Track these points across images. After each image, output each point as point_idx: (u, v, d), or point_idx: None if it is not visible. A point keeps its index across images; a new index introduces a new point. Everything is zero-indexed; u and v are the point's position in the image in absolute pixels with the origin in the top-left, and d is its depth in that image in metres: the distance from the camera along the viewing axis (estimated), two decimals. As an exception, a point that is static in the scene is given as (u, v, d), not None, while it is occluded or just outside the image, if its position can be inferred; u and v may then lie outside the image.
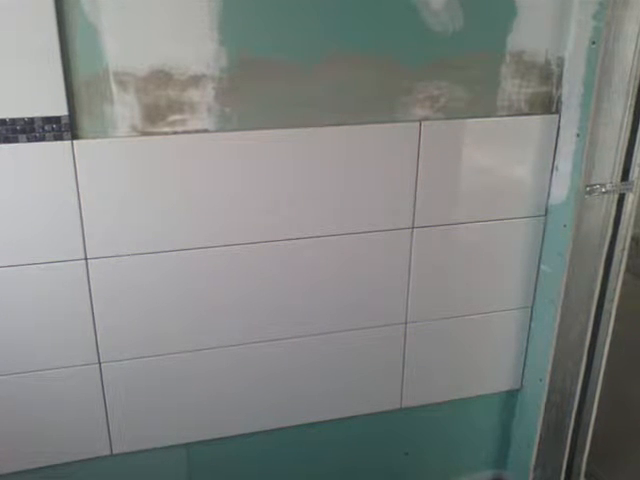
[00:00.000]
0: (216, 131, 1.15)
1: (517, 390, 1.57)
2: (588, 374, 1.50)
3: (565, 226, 1.34)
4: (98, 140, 1.10)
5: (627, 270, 1.43)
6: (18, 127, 1.05)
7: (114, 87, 1.08)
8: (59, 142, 1.08)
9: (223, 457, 1.42)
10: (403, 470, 1.59)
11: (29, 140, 1.06)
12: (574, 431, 1.55)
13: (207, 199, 1.18)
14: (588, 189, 1.30)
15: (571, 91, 1.28)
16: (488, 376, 1.53)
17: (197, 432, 1.37)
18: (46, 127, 1.06)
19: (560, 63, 1.28)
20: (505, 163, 1.33)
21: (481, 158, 1.31)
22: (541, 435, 1.53)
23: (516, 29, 1.23)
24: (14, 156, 1.07)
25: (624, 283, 1.42)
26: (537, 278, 1.45)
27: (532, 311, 1.48)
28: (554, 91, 1.30)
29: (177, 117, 1.13)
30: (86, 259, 1.16)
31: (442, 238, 1.35)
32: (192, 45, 1.09)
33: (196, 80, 1.11)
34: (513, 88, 1.27)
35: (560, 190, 1.34)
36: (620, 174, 1.31)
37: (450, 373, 1.49)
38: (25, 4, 0.99)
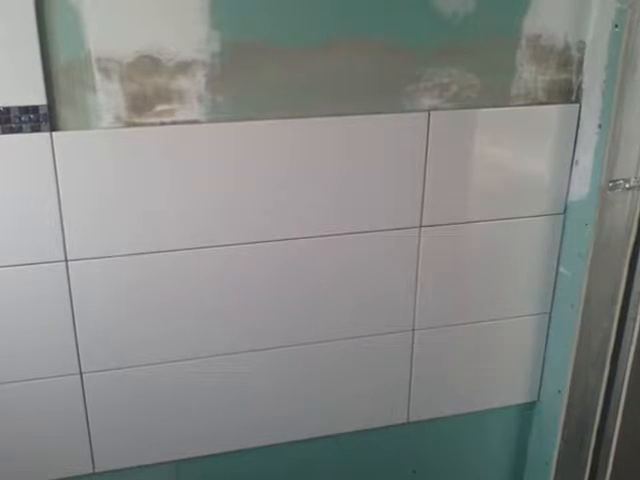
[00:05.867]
0: (207, 122, 1.15)
1: (534, 403, 1.57)
2: (611, 386, 1.49)
3: (586, 225, 1.33)
4: (79, 132, 1.10)
5: (653, 272, 1.43)
6: (-8, 117, 1.05)
7: (97, 74, 1.08)
8: (37, 134, 1.07)
9: (215, 475, 1.42)
10: (410, 489, 1.59)
11: (4, 132, 1.06)
12: (595, 448, 1.55)
13: (198, 196, 1.18)
14: (611, 185, 1.30)
15: (592, 78, 1.27)
16: (502, 388, 1.53)
17: (187, 448, 1.36)
18: (23, 117, 1.06)
19: (581, 48, 1.28)
20: (521, 157, 1.33)
21: (495, 151, 1.31)
22: (560, 452, 1.52)
23: (532, 11, 1.22)
24: (-12, 149, 1.07)
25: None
26: (555, 281, 1.44)
27: (550, 317, 1.48)
28: (574, 78, 1.30)
29: (165, 107, 1.12)
30: (66, 261, 1.16)
31: (452, 238, 1.34)
32: (181, 28, 1.08)
33: (185, 66, 1.11)
34: (529, 75, 1.27)
35: (580, 186, 1.34)
36: (645, 168, 1.31)
37: (461, 384, 1.49)
38: (0, -16, 0.99)
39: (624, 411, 1.52)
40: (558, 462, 1.53)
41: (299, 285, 1.30)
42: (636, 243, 1.37)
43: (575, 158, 1.34)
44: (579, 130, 1.32)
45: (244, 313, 1.29)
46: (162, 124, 1.13)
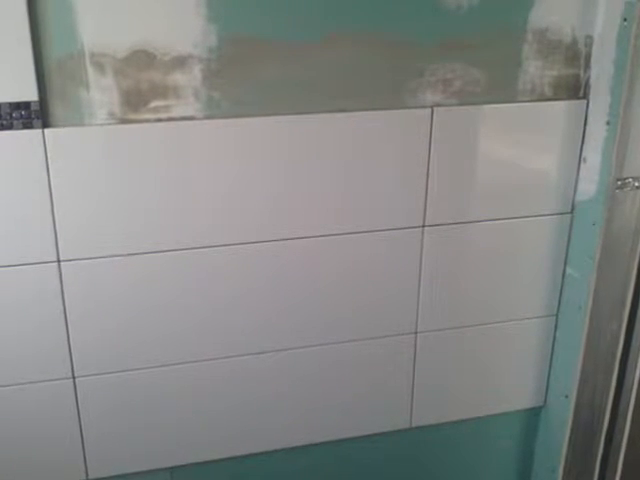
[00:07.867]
0: (204, 118, 1.14)
1: (540, 407, 1.56)
2: (620, 389, 1.49)
3: (594, 224, 1.33)
4: (72, 128, 1.09)
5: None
6: (-18, 114, 1.05)
7: (90, 69, 1.07)
8: (29, 130, 1.07)
9: (212, 482, 1.42)
10: (413, 497, 1.59)
11: (-5, 128, 1.06)
12: (604, 453, 1.54)
13: (194, 194, 1.18)
14: (619, 183, 1.29)
15: (600, 74, 1.27)
16: (508, 392, 1.52)
17: (182, 455, 1.36)
18: (14, 114, 1.05)
19: (588, 42, 1.27)
20: (527, 154, 1.32)
21: (500, 148, 1.31)
22: (567, 458, 1.52)
23: (538, 4, 1.22)
24: (-22, 146, 1.06)
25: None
26: (563, 282, 1.44)
27: (557, 319, 1.47)
28: (582, 74, 1.30)
29: (160, 103, 1.12)
30: (59, 261, 1.16)
31: (456, 238, 1.34)
32: (177, 22, 1.08)
33: (181, 61, 1.10)
34: (536, 70, 1.27)
35: (588, 184, 1.33)
36: (655, 166, 1.31)
37: (465, 389, 1.48)
38: (-10, -24, 0.99)
39: (633, 416, 1.52)
40: (565, 469, 1.53)
41: (299, 287, 1.29)
42: (645, 243, 1.37)
43: (583, 156, 1.34)
44: (587, 127, 1.32)
45: (242, 315, 1.28)
46: (158, 120, 1.13)
